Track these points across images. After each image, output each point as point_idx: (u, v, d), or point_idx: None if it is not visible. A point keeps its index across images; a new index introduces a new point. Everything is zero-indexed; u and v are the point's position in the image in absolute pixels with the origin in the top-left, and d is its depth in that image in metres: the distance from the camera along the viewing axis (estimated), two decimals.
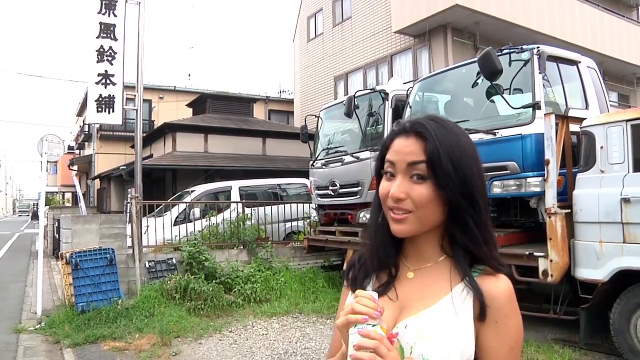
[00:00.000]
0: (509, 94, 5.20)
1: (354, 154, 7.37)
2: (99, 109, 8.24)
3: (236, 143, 15.06)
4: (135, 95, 8.56)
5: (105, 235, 7.24)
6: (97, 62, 8.18)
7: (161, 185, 15.51)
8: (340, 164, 7.62)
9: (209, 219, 8.98)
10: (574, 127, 4.93)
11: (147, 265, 7.57)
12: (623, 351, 4.36)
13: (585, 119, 4.94)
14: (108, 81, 8.23)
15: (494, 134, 5.21)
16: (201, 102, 17.31)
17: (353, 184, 7.31)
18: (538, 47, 5.21)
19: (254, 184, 11.19)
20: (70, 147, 28.52)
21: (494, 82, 5.00)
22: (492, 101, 5.52)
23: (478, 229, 0.95)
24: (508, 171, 5.08)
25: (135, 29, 8.67)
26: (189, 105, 18.03)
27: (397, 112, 6.99)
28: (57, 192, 40.95)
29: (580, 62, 5.80)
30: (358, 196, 7.24)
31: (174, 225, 8.84)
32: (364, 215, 7.07)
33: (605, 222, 4.41)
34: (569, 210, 4.66)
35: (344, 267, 7.28)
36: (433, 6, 10.80)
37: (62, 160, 19.18)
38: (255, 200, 10.48)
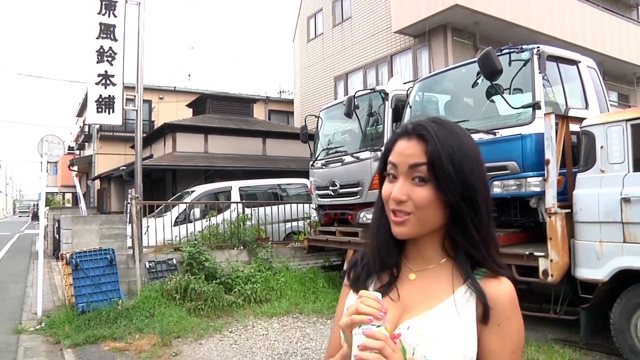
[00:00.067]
0: (509, 94, 5.20)
1: (354, 154, 7.37)
2: (99, 110, 8.25)
3: (236, 143, 15.06)
4: (135, 96, 8.57)
5: (106, 236, 7.24)
6: (97, 62, 8.19)
7: (161, 185, 15.52)
8: (340, 164, 7.62)
9: (209, 220, 8.99)
10: (574, 127, 4.93)
11: (147, 266, 7.57)
12: (623, 351, 4.36)
13: (585, 118, 4.93)
14: (108, 82, 8.24)
15: (494, 134, 5.21)
16: (201, 102, 17.31)
17: (353, 184, 7.31)
18: (538, 47, 5.20)
19: (254, 184, 11.20)
20: (70, 148, 28.52)
21: (494, 82, 5.00)
22: (492, 101, 5.52)
23: (478, 232, 0.94)
24: (508, 171, 5.08)
25: (135, 30, 8.68)
26: (189, 105, 18.04)
27: (397, 112, 6.99)
28: (57, 192, 40.92)
29: (580, 62, 5.80)
30: (358, 196, 7.24)
31: (174, 225, 8.85)
32: (364, 216, 7.07)
33: (605, 222, 4.41)
34: (569, 210, 4.66)
35: (345, 267, 7.29)
36: (433, 6, 10.80)
37: (62, 161, 19.16)
38: (256, 201, 10.48)
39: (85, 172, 24.94)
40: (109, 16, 8.27)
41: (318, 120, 8.61)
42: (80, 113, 27.45)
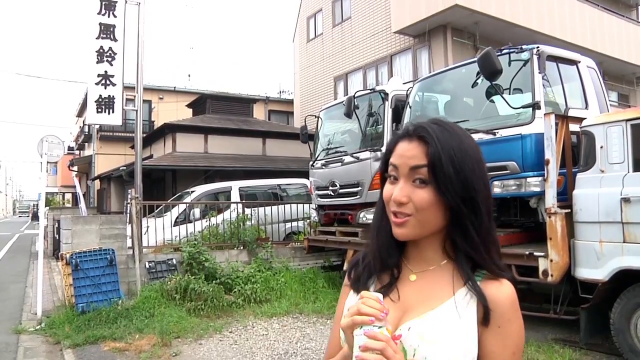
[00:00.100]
0: (509, 94, 5.20)
1: (354, 154, 7.37)
2: (99, 110, 8.25)
3: (236, 143, 15.06)
4: (135, 96, 8.56)
5: (106, 236, 7.24)
6: (97, 62, 8.19)
7: (161, 185, 15.51)
8: (340, 164, 7.62)
9: (209, 220, 8.99)
10: (573, 127, 4.93)
11: (147, 266, 7.57)
12: (623, 351, 4.36)
13: (585, 118, 4.94)
14: (108, 82, 8.24)
15: (494, 134, 5.21)
16: (201, 102, 17.31)
17: (353, 184, 7.31)
18: (538, 47, 5.20)
19: (254, 184, 11.20)
20: (70, 148, 28.53)
21: (493, 82, 5.00)
22: (492, 101, 5.51)
23: (478, 234, 0.94)
24: (508, 171, 5.08)
25: (135, 30, 8.68)
26: (188, 105, 18.04)
27: (397, 113, 6.98)
28: (57, 192, 40.93)
29: (580, 62, 5.80)
30: (358, 196, 7.24)
31: (174, 225, 8.85)
32: (364, 216, 7.07)
33: (605, 222, 4.41)
34: (569, 210, 4.66)
35: (345, 267, 7.29)
36: (433, 6, 10.80)
37: (62, 161, 19.17)
38: (255, 201, 10.49)
39: (85, 172, 24.94)
40: (108, 16, 8.27)
41: (318, 120, 8.61)
42: (80, 113, 27.44)
